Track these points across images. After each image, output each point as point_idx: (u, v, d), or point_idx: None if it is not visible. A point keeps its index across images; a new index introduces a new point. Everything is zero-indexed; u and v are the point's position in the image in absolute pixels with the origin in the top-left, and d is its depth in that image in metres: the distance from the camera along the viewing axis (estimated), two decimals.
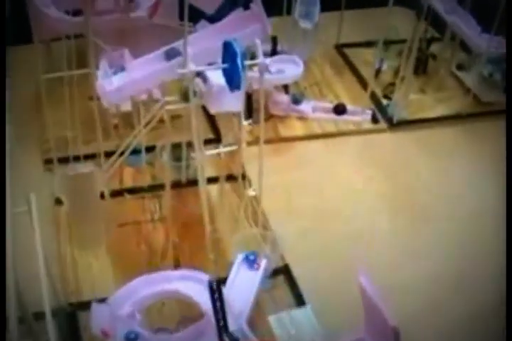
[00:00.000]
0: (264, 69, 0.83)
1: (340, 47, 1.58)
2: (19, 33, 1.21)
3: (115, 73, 1.01)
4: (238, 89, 0.83)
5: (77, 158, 1.16)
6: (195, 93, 0.87)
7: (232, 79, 0.81)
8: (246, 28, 0.98)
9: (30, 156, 1.23)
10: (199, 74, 0.87)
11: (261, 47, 0.84)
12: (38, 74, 1.06)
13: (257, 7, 0.97)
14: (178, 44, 0.98)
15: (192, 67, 0.83)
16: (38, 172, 1.21)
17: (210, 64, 0.89)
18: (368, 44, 1.54)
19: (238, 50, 0.79)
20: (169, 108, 0.91)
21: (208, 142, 1.06)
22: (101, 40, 1.13)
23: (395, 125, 1.36)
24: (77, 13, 1.19)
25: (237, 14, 1.08)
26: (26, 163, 1.16)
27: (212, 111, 0.93)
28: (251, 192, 0.98)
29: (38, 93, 1.11)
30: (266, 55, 1.22)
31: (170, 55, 0.98)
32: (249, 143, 0.96)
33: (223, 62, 0.82)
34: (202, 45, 0.95)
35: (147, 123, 0.95)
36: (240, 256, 0.97)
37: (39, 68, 1.06)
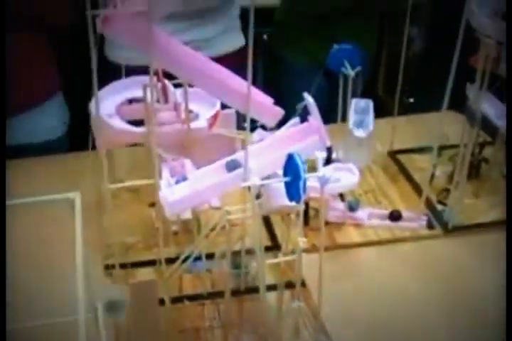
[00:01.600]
0: (325, 182, 0.86)
1: (393, 154, 1.61)
2: (82, 139, 1.25)
3: (177, 183, 1.04)
4: (298, 202, 0.85)
5: (137, 264, 1.18)
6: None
7: (294, 192, 0.84)
8: (304, 140, 1.01)
9: (91, 260, 1.25)
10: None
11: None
12: (101, 182, 1.10)
13: (315, 120, 1.00)
14: (238, 155, 1.01)
15: (255, 180, 0.86)
16: (99, 276, 1.23)
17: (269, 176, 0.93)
18: (421, 150, 1.57)
19: (301, 163, 0.82)
20: (230, 218, 0.93)
21: (266, 249, 1.08)
22: (162, 150, 1.17)
23: (450, 231, 1.36)
24: (138, 123, 1.23)
25: (294, 125, 1.12)
26: (87, 266, 1.18)
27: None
28: (295, 304, 0.99)
29: (100, 198, 1.14)
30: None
31: (231, 167, 1.01)
32: (306, 251, 0.97)
33: (285, 174, 0.85)
34: (261, 157, 0.98)
35: (209, 233, 0.98)
36: None
37: (103, 176, 1.10)
